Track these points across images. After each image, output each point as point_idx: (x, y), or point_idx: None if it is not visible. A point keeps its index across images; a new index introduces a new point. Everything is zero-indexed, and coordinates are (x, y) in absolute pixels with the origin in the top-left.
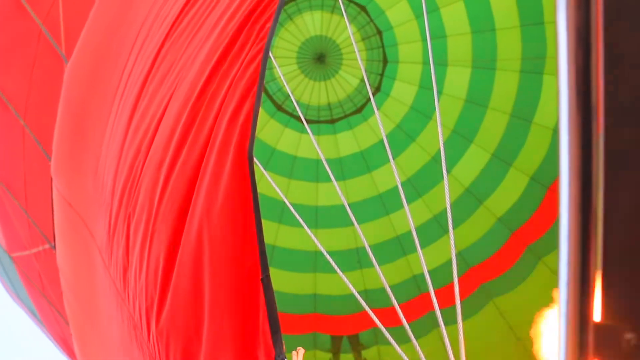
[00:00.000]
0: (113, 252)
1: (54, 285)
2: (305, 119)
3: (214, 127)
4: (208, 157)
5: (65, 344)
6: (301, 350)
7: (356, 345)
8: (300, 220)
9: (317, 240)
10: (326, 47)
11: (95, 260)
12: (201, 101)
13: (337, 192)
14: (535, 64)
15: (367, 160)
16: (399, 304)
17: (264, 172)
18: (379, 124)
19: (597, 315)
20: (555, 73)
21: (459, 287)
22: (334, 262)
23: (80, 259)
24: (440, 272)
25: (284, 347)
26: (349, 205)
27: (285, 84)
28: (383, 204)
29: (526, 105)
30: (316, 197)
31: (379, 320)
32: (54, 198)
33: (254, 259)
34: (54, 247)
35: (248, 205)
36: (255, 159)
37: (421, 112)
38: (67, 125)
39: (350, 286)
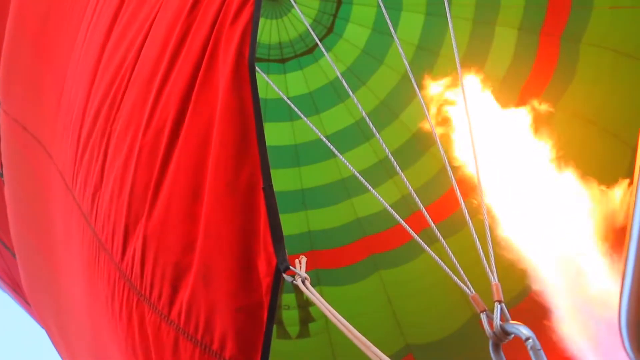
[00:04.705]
0: (81, 173)
1: (0, 215)
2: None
3: (210, 35)
4: (204, 65)
5: (9, 277)
6: (303, 258)
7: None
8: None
9: None
10: None
11: (53, 184)
12: (195, 12)
13: (284, 133)
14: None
15: (315, 102)
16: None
17: (267, 79)
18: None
19: None
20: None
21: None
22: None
23: (34, 186)
24: (384, 215)
25: (287, 255)
26: (296, 146)
27: None
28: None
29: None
30: None
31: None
32: (0, 123)
33: (254, 167)
34: (1, 174)
35: (248, 111)
36: (256, 67)
37: (372, 56)
38: (20, 47)
39: None
